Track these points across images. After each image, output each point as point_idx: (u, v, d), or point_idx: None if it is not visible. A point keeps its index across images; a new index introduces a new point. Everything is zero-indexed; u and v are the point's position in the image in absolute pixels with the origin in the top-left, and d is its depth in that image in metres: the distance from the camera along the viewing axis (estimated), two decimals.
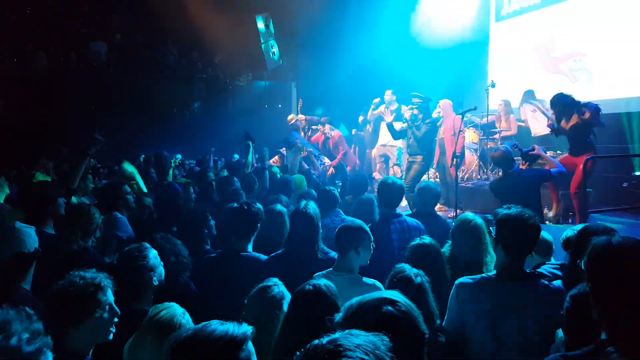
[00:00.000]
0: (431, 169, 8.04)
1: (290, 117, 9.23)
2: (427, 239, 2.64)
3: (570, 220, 6.22)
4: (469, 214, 2.85)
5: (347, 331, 1.10)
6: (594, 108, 5.25)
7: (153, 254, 2.28)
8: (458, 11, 10.87)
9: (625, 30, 7.93)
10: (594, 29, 8.42)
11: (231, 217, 2.99)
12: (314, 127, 8.87)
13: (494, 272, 2.17)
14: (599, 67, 8.35)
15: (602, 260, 1.51)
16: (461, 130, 6.56)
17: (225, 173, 6.06)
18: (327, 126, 8.56)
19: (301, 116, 9.05)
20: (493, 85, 7.83)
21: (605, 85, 8.27)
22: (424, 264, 2.29)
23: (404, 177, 7.25)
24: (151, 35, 12.25)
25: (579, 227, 2.42)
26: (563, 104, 5.34)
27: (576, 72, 8.78)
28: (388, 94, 8.18)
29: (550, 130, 5.74)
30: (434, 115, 6.85)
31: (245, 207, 2.92)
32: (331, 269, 2.54)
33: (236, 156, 9.25)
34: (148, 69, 11.77)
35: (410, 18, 11.46)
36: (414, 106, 6.29)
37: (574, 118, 5.30)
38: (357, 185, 4.60)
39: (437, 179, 8.48)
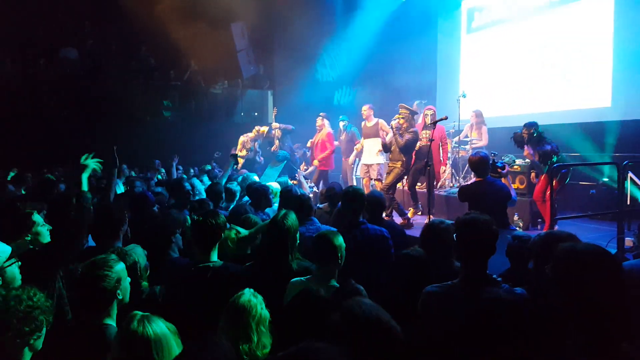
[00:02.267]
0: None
1: (262, 129, 8.99)
2: (418, 250, 2.67)
3: (539, 227, 6.42)
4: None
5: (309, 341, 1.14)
6: (552, 148, 5.83)
7: (120, 266, 2.15)
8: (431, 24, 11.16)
9: (590, 44, 8.26)
10: (559, 41, 8.75)
11: (195, 229, 2.88)
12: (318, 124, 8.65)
13: (458, 279, 2.19)
14: (566, 78, 8.66)
15: (567, 265, 1.61)
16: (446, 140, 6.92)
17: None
18: (325, 121, 8.61)
19: (275, 124, 9.01)
20: (464, 96, 8.02)
21: (573, 96, 8.58)
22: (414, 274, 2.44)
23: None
24: (124, 42, 12.11)
25: (543, 233, 2.50)
26: (538, 139, 5.90)
27: (544, 83, 9.07)
28: (365, 109, 7.90)
29: (514, 136, 6.18)
30: (420, 122, 6.92)
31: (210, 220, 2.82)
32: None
33: (208, 166, 9.17)
34: (120, 75, 11.61)
35: (385, 29, 11.69)
36: (400, 116, 6.59)
37: (536, 154, 5.94)
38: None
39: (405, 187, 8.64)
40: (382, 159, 7.71)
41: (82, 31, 11.92)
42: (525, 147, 6.08)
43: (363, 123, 8.00)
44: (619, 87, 7.83)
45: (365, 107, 7.89)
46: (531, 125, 5.98)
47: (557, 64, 8.81)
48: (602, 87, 8.06)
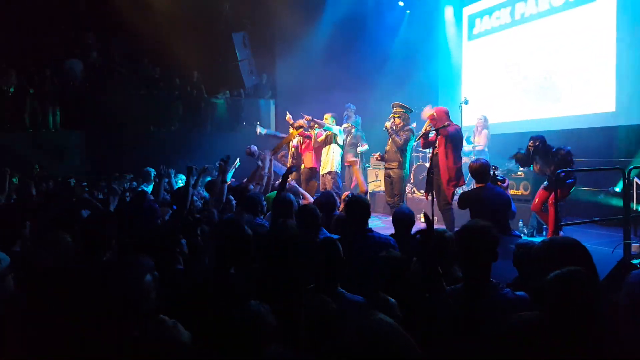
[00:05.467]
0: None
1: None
2: (394, 252, 2.70)
3: (544, 233, 6.38)
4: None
5: None
6: (567, 152, 5.47)
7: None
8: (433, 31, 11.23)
9: (593, 48, 8.25)
10: (562, 47, 8.74)
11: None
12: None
13: (461, 284, 2.22)
14: (569, 84, 8.64)
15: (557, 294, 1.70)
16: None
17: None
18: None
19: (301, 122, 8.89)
20: (466, 102, 8.00)
21: (576, 102, 8.56)
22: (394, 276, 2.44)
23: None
24: (127, 54, 12.20)
25: (547, 240, 2.48)
26: (544, 150, 5.53)
27: (545, 89, 9.06)
28: (328, 117, 7.78)
29: (515, 157, 5.90)
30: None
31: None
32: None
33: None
34: (124, 87, 11.69)
35: (388, 37, 11.73)
36: (395, 115, 6.43)
37: (550, 165, 5.51)
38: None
39: (415, 194, 8.60)
40: (337, 165, 7.61)
41: (86, 43, 12.02)
42: (534, 163, 5.70)
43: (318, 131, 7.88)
44: (623, 92, 7.80)
45: (327, 116, 7.82)
46: (537, 138, 5.62)
47: (560, 69, 8.80)
48: (605, 91, 8.04)
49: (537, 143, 5.55)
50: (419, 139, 6.09)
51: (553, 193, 5.26)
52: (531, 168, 5.89)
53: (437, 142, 5.68)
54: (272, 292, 2.50)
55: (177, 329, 1.82)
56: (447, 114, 5.83)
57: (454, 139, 5.66)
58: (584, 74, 8.38)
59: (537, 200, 5.78)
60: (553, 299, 1.70)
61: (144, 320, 2.04)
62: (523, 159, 5.75)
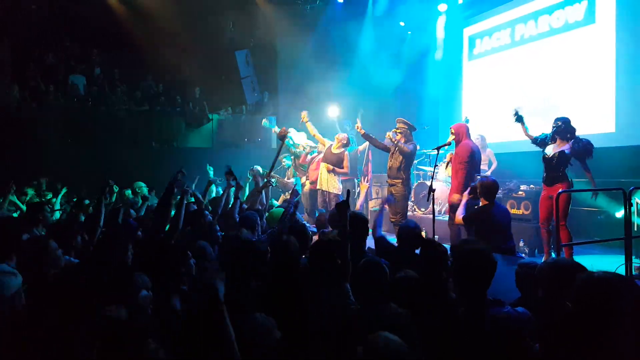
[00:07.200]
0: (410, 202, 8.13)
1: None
2: (410, 272, 2.69)
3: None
4: None
5: None
6: (588, 141, 5.55)
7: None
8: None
9: (592, 69, 8.32)
10: (562, 68, 8.82)
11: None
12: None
13: (461, 308, 2.20)
14: (566, 104, 8.68)
15: (592, 295, 1.66)
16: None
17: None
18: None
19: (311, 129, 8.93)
20: (467, 121, 8.05)
21: (576, 122, 8.53)
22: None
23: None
24: (131, 70, 12.33)
25: (550, 261, 2.48)
26: (566, 129, 5.64)
27: (545, 109, 9.11)
28: (345, 137, 7.65)
29: (534, 139, 6.01)
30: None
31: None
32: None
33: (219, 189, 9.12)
34: (127, 102, 11.79)
35: (389, 56, 11.84)
36: (397, 130, 6.43)
37: (563, 144, 5.55)
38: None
39: (416, 212, 8.60)
40: (340, 188, 7.35)
41: (89, 59, 12.16)
42: (558, 138, 5.67)
43: (328, 147, 7.64)
44: (622, 112, 7.85)
45: (345, 135, 7.67)
46: (561, 119, 5.71)
47: (560, 89, 8.87)
48: (605, 112, 8.08)
49: (560, 124, 5.69)
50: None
51: (554, 214, 5.23)
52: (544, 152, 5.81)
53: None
54: (277, 306, 2.51)
55: (158, 353, 1.79)
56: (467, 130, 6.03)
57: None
58: (583, 95, 8.43)
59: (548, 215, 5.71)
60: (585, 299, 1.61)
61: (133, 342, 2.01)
62: (541, 143, 5.86)
